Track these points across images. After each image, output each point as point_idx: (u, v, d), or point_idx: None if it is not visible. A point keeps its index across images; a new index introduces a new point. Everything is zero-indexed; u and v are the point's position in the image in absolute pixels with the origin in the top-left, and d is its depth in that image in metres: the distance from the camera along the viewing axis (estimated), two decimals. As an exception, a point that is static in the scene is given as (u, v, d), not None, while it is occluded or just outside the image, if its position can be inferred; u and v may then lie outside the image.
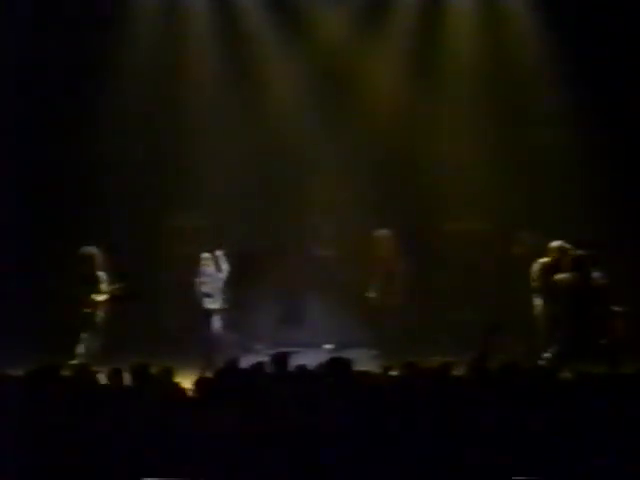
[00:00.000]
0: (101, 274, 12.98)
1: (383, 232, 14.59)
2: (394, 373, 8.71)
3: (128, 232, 15.14)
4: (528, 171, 15.48)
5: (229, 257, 13.47)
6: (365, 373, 8.54)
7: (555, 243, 12.41)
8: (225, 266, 13.34)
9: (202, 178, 15.38)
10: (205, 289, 13.18)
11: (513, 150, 15.46)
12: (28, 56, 14.83)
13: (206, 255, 13.32)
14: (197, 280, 13.23)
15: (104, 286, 12.89)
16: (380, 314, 14.04)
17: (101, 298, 12.70)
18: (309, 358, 12.36)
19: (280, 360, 8.76)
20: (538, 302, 12.37)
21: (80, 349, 12.40)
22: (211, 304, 13.17)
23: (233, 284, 13.62)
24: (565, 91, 15.09)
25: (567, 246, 12.32)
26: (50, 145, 15.09)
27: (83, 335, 12.54)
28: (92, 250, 12.96)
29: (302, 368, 8.53)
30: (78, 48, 14.91)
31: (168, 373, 8.30)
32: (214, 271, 13.27)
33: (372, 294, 14.13)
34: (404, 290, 14.21)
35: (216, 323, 13.17)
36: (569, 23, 14.83)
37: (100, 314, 12.73)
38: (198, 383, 7.87)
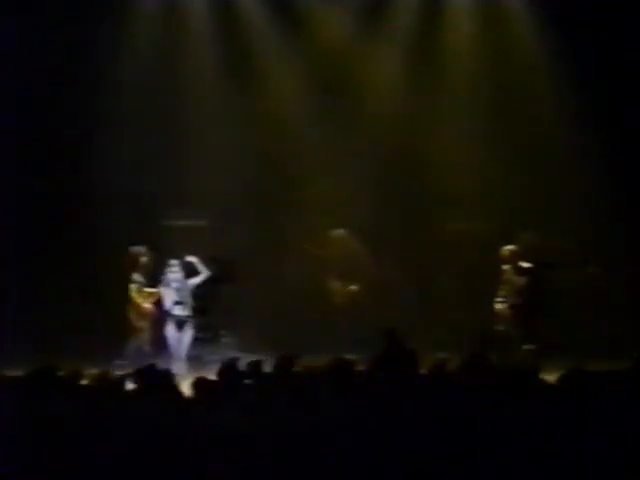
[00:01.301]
0: (136, 276, 12.97)
1: (339, 232, 14.62)
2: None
3: (128, 232, 15.14)
4: (528, 171, 15.49)
5: (207, 262, 13.31)
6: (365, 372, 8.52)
7: (507, 247, 12.58)
8: (202, 268, 13.16)
9: (202, 178, 15.37)
10: (174, 296, 13.00)
11: (513, 150, 15.46)
12: (28, 55, 14.81)
13: (174, 262, 13.14)
14: (164, 288, 13.02)
15: (139, 287, 12.90)
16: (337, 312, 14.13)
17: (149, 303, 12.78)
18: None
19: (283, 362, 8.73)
20: (500, 306, 12.48)
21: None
22: (180, 311, 13.01)
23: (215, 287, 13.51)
24: (565, 90, 15.09)
25: (516, 249, 12.50)
26: (49, 144, 15.08)
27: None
28: (139, 250, 12.95)
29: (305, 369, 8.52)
30: (77, 48, 14.91)
31: (168, 375, 8.28)
32: (182, 277, 13.09)
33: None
34: (370, 290, 14.26)
35: (186, 331, 12.99)
36: (569, 22, 14.82)
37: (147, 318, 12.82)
38: (197, 383, 7.86)
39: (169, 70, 15.56)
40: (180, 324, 12.90)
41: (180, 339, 12.89)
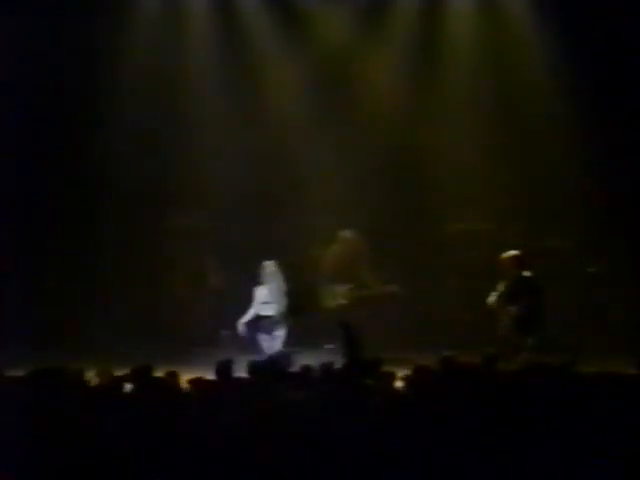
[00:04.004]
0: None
1: (347, 233, 14.59)
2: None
3: (128, 232, 15.16)
4: (529, 171, 15.50)
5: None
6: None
7: (509, 253, 12.33)
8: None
9: (202, 178, 15.39)
10: (264, 297, 13.00)
11: (513, 150, 15.47)
12: (28, 56, 14.82)
13: (268, 263, 13.20)
14: (257, 288, 13.01)
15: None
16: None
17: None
18: (310, 358, 12.40)
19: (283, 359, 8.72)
20: (493, 299, 12.31)
21: None
22: (268, 311, 13.03)
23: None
24: (565, 91, 15.09)
25: (518, 255, 12.28)
26: (50, 145, 15.09)
27: None
28: None
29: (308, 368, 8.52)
30: (78, 49, 14.93)
31: (172, 376, 8.28)
32: (274, 278, 13.04)
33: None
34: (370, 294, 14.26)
35: (270, 331, 13.07)
36: (569, 23, 14.82)
37: None
38: (195, 382, 7.87)
39: (169, 70, 15.56)
40: (270, 324, 12.98)
41: (270, 339, 12.94)
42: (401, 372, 8.35)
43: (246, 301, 13.52)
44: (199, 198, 15.59)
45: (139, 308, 15.15)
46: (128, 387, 7.99)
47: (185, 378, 8.27)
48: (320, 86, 15.57)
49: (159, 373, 8.46)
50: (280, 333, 12.95)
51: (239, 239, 15.45)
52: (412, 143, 15.50)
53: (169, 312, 15.34)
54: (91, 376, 8.38)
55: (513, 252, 12.27)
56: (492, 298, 12.19)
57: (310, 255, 15.12)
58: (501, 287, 12.19)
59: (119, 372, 8.45)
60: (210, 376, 8.32)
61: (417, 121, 15.52)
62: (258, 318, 12.94)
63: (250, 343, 13.00)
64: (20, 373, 8.30)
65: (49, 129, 15.09)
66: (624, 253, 14.82)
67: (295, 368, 8.74)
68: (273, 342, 12.89)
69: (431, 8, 15.63)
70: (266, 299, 12.96)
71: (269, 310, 12.96)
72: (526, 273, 12.13)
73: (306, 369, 8.46)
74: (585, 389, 7.24)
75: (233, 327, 13.48)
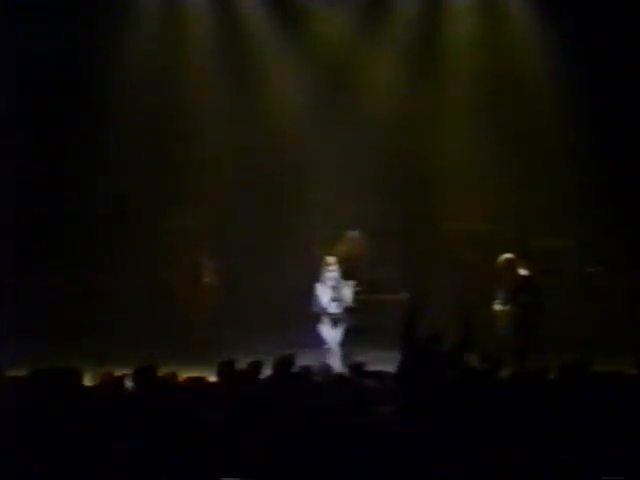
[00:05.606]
0: None
1: (353, 233, 14.59)
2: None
3: (128, 232, 15.16)
4: (528, 171, 15.51)
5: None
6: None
7: (504, 256, 12.28)
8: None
9: (202, 178, 15.41)
10: (333, 294, 13.03)
11: (513, 150, 15.48)
12: (29, 56, 14.83)
13: (331, 259, 13.23)
14: (321, 285, 13.04)
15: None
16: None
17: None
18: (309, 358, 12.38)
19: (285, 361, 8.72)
20: (498, 307, 12.31)
21: None
22: (336, 309, 13.07)
23: None
24: (565, 91, 15.10)
25: (512, 257, 12.22)
26: (50, 144, 15.10)
27: None
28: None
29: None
30: (78, 48, 14.93)
31: (173, 376, 8.28)
32: (338, 276, 13.09)
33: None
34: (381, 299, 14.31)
35: (340, 327, 13.07)
36: (569, 22, 14.83)
37: None
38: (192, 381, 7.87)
39: (169, 70, 15.57)
40: (335, 321, 13.03)
41: (335, 336, 13.01)
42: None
43: (245, 301, 13.55)
44: (199, 198, 15.60)
45: (139, 309, 15.13)
46: (130, 387, 7.99)
47: (184, 378, 8.27)
48: (320, 85, 15.59)
49: (159, 373, 8.45)
50: (343, 329, 13.04)
51: (239, 239, 15.45)
52: (412, 143, 15.52)
53: (169, 312, 15.32)
54: (91, 379, 8.37)
55: (507, 255, 12.23)
56: (498, 307, 12.20)
57: (312, 255, 15.10)
58: (502, 294, 12.17)
59: (119, 372, 8.43)
60: (210, 376, 8.33)
61: (417, 120, 15.53)
62: (323, 314, 13.03)
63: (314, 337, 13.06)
64: (20, 373, 8.30)
65: (49, 129, 15.09)
66: (624, 253, 14.83)
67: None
68: (336, 338, 12.97)
69: (431, 7, 15.65)
70: (331, 296, 13.05)
71: (334, 307, 13.05)
72: (523, 272, 12.12)
73: (305, 369, 8.46)
74: (586, 390, 7.25)
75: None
